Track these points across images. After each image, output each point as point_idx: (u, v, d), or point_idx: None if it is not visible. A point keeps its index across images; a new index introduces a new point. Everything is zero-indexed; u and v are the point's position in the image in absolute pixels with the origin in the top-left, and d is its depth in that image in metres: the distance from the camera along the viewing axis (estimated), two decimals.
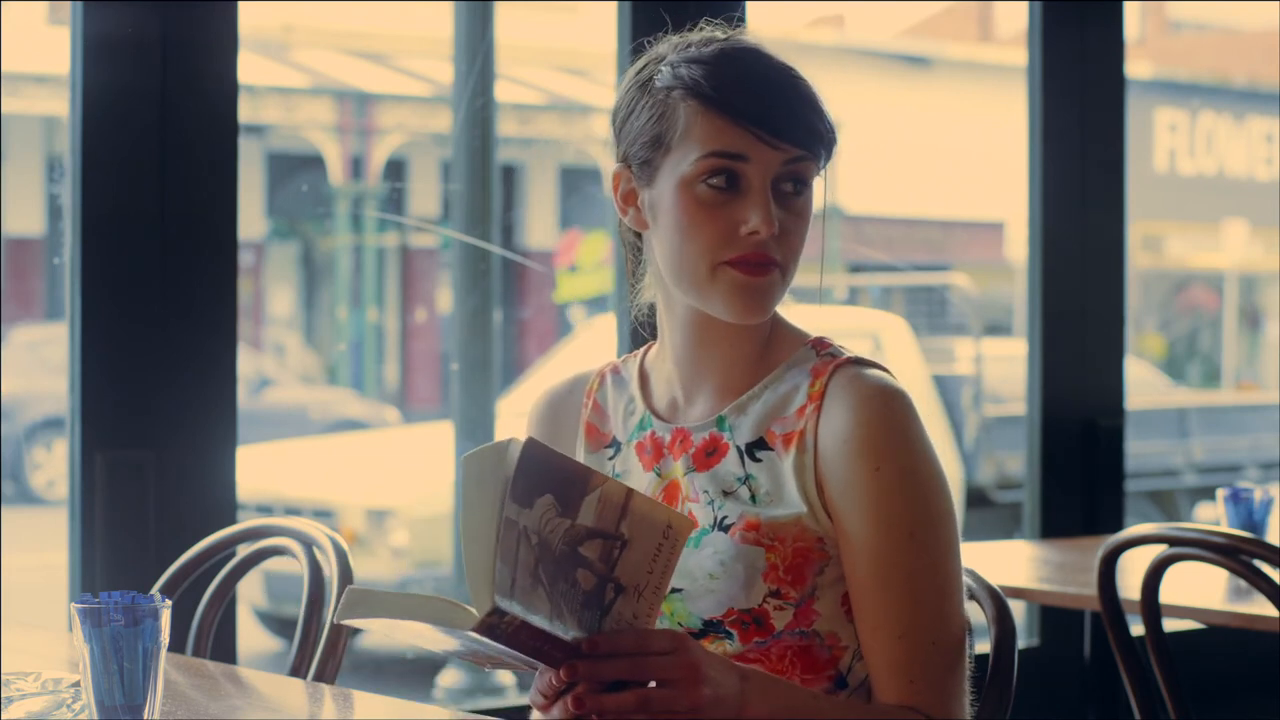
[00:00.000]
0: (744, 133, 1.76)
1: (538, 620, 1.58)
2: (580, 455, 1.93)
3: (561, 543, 1.59)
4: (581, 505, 1.60)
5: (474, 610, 1.55)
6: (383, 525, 6.57)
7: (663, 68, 1.81)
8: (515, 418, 5.28)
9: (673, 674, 1.62)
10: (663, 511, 1.64)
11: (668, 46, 1.85)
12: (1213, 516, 9.35)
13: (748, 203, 1.76)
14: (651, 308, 1.91)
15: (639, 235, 1.88)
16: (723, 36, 1.84)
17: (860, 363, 1.81)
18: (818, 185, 1.82)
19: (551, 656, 1.62)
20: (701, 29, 1.86)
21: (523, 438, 1.61)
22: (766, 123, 1.76)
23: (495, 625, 1.55)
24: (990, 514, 8.12)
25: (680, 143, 1.78)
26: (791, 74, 1.80)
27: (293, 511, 6.08)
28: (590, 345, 8.46)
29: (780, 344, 1.85)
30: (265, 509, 6.51)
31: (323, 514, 6.62)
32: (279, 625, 6.50)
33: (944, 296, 9.66)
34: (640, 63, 1.86)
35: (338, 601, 1.63)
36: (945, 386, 8.41)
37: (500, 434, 4.46)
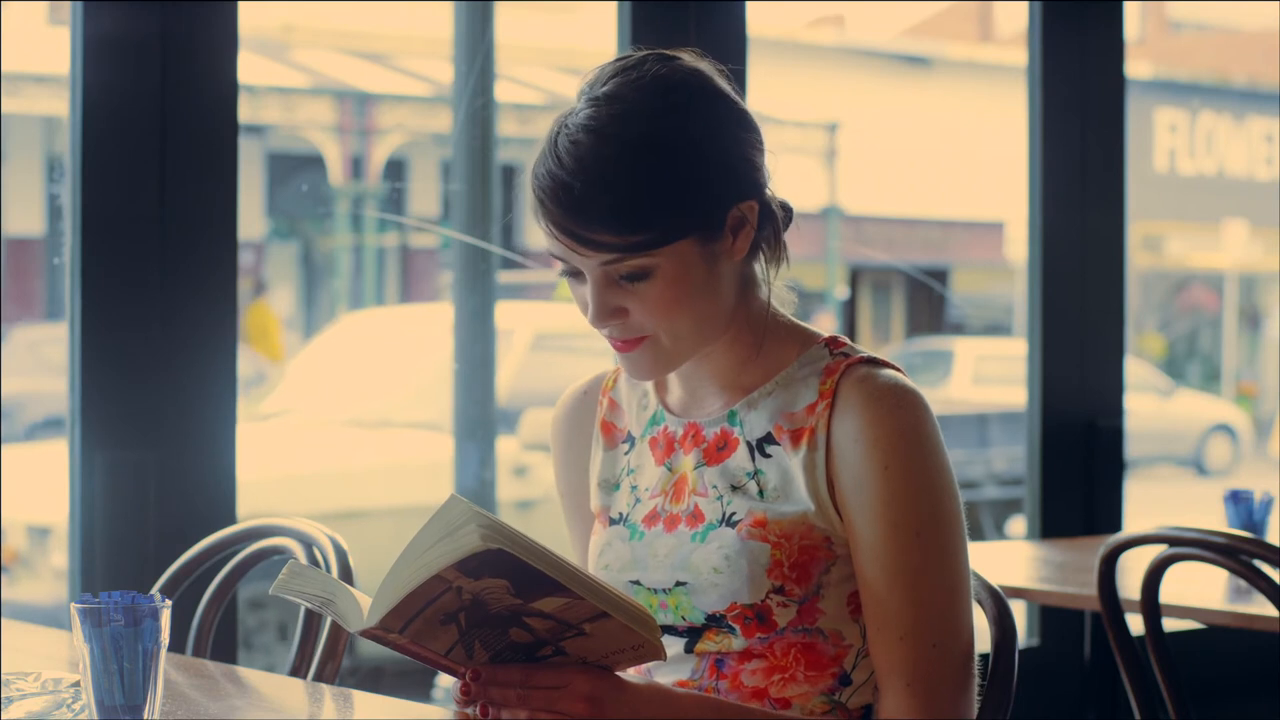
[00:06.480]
0: (555, 242, 1.75)
1: (432, 647, 1.60)
2: (597, 454, 1.93)
3: (504, 609, 1.57)
4: (542, 599, 1.55)
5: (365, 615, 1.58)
6: (44, 544, 5.86)
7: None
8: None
9: (561, 705, 1.62)
10: (638, 638, 1.60)
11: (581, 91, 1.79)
12: (1022, 532, 8.74)
13: (587, 291, 1.77)
14: None
15: None
16: (580, 108, 1.75)
17: (874, 362, 1.80)
18: (674, 254, 1.73)
19: (449, 669, 1.64)
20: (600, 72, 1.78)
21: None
22: (571, 234, 1.73)
23: (380, 638, 1.59)
24: None
25: None
26: (600, 174, 1.70)
27: None
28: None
29: (787, 342, 1.85)
30: None
31: None
32: None
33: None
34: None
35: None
36: None
37: (500, 435, 4.46)
